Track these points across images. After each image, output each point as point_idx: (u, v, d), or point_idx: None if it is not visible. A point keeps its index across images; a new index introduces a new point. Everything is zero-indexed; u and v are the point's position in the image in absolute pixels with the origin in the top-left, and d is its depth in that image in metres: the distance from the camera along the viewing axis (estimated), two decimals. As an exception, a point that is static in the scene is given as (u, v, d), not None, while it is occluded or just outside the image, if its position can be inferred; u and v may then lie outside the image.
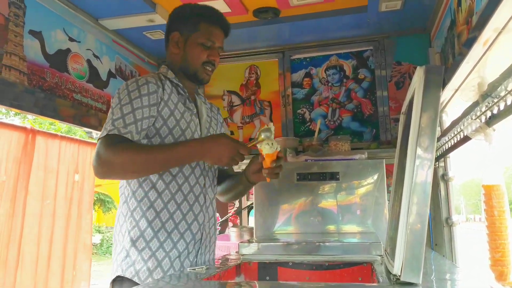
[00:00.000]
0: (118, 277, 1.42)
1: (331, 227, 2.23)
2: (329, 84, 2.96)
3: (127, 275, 1.40)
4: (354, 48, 2.94)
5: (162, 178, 1.44)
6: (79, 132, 10.39)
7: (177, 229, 1.45)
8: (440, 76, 0.96)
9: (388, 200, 2.67)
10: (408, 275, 1.00)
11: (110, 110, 1.40)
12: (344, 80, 2.94)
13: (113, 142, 1.31)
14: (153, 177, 1.43)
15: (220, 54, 1.61)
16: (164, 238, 1.43)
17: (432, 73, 0.95)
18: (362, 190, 2.23)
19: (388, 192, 2.73)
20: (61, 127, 10.00)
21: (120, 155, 1.30)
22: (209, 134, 1.62)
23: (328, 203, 2.25)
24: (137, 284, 1.37)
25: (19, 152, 1.80)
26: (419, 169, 0.92)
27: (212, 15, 1.58)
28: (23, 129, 1.90)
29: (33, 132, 1.91)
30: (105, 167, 1.31)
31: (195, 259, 1.51)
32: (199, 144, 1.39)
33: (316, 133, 2.53)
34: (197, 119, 1.58)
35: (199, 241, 1.53)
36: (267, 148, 1.44)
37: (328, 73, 2.97)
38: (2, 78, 1.76)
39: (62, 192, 2.05)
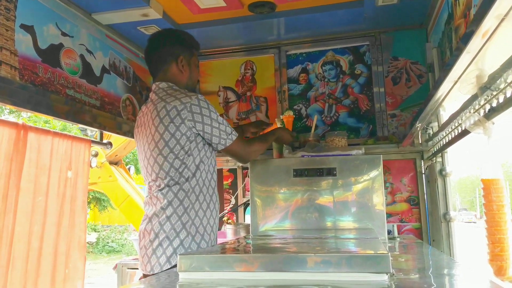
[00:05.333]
0: None
1: (328, 223, 2.21)
2: (326, 79, 2.94)
3: None
4: (350, 43, 2.92)
5: (211, 184, 1.90)
6: (74, 130, 10.34)
7: (205, 216, 1.87)
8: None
9: (386, 196, 2.66)
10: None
11: (212, 119, 1.82)
12: (341, 76, 2.92)
13: (244, 141, 2.01)
14: (203, 186, 1.86)
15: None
16: (211, 225, 1.89)
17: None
18: (359, 186, 2.21)
19: (386, 188, 2.72)
20: (56, 125, 9.94)
21: (256, 147, 2.03)
22: None
23: (325, 199, 2.23)
24: None
25: (11, 148, 1.77)
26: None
27: (197, 44, 2.07)
28: (14, 125, 1.86)
29: (25, 128, 1.87)
30: (252, 155, 2.02)
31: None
32: (278, 131, 2.32)
33: (312, 129, 2.51)
34: None
35: (216, 226, 1.98)
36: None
37: (324, 69, 2.95)
38: (-8, 73, 1.72)
39: (54, 189, 2.01)
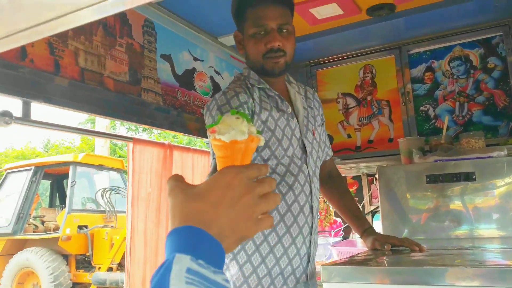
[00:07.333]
0: None
1: (467, 232, 2.06)
2: (454, 76, 2.75)
3: None
4: (480, 36, 2.69)
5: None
6: (198, 143, 11.12)
7: (280, 243, 1.32)
8: None
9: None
10: None
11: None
12: (471, 71, 2.71)
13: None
14: None
15: (288, 31, 1.41)
16: (266, 253, 1.31)
17: None
18: (502, 190, 2.02)
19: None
20: (183, 139, 10.80)
21: None
22: (308, 132, 1.48)
23: (462, 206, 2.08)
24: None
25: (160, 165, 1.99)
26: None
27: (246, 1, 1.41)
28: (161, 145, 2.10)
29: (170, 147, 2.09)
30: None
31: (303, 275, 1.38)
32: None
33: (444, 131, 2.37)
34: (294, 119, 1.45)
35: (306, 255, 1.39)
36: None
37: (452, 65, 2.76)
38: (142, 100, 1.95)
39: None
